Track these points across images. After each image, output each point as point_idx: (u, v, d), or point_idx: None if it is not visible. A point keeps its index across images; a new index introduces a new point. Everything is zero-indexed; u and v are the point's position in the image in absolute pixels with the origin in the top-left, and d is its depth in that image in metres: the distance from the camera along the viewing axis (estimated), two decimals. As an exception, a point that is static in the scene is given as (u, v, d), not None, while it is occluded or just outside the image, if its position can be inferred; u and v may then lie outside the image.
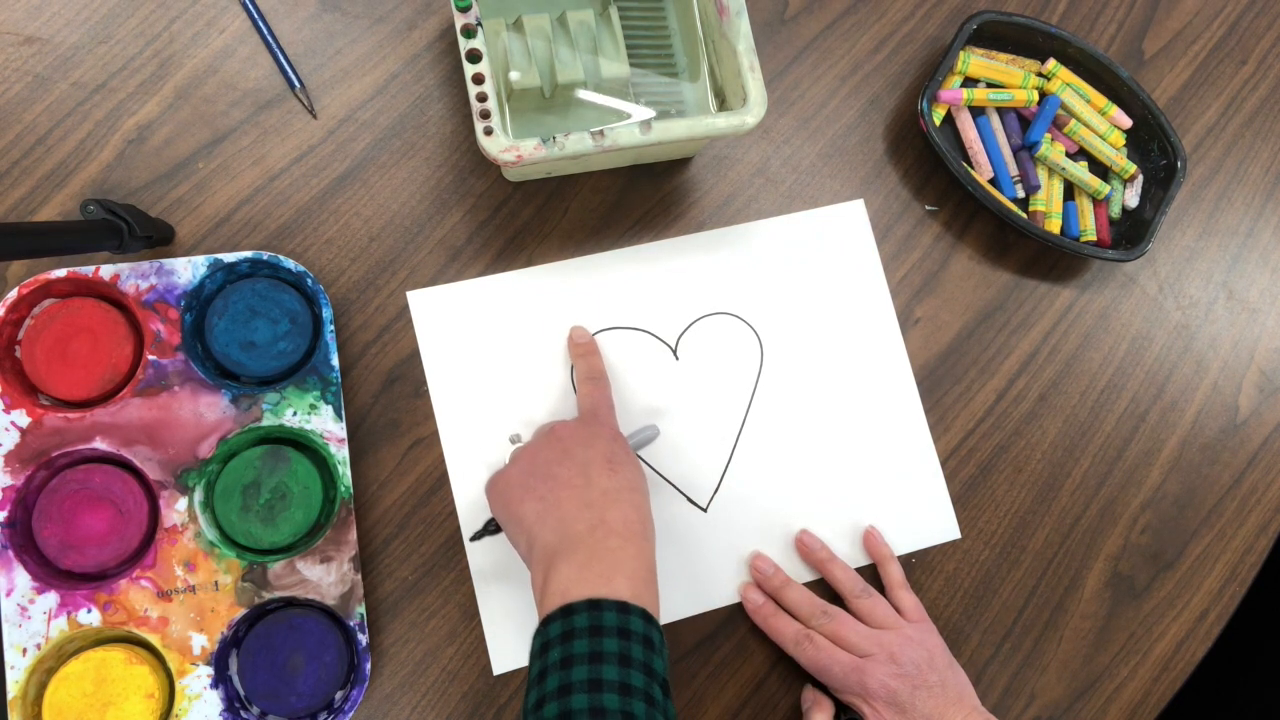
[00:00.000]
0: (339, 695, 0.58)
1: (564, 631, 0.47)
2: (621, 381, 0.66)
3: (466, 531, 0.62)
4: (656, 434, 0.64)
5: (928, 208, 0.73)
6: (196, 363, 0.59)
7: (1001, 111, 0.74)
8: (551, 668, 0.46)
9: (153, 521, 0.58)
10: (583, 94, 0.64)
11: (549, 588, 0.49)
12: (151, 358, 0.58)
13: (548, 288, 0.66)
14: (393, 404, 0.63)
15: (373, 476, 0.63)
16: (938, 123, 0.72)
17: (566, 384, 0.65)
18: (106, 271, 0.58)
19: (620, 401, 0.66)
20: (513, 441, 0.64)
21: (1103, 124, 0.75)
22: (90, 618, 0.56)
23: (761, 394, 0.68)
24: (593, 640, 0.46)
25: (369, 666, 0.58)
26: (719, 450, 0.67)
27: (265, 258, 0.60)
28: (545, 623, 0.48)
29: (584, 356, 0.64)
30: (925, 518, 0.69)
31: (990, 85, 0.74)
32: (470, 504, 0.63)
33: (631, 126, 0.57)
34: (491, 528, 0.59)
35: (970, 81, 0.74)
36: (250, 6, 0.65)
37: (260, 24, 0.65)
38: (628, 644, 0.46)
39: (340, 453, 0.60)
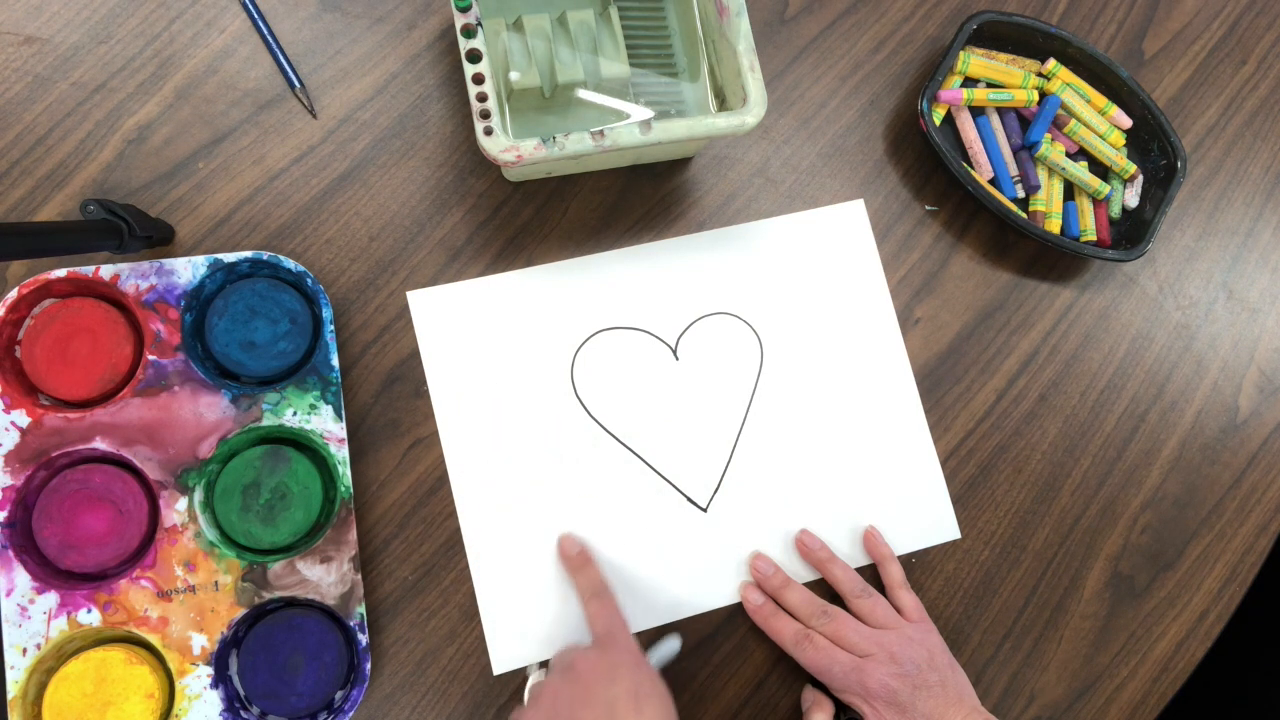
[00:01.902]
0: (339, 695, 0.58)
1: None
2: (621, 381, 0.66)
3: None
4: (678, 648, 0.62)
5: (928, 208, 0.73)
6: (196, 363, 0.59)
7: (1001, 111, 0.74)
8: None
9: (153, 521, 0.58)
10: (583, 94, 0.64)
11: None
12: (151, 358, 0.58)
13: (548, 288, 0.66)
14: (393, 404, 0.63)
15: (373, 476, 0.63)
16: (938, 123, 0.72)
17: (567, 384, 0.65)
18: (106, 271, 0.58)
19: (620, 402, 0.66)
20: (530, 674, 0.61)
21: (1103, 124, 0.75)
22: (90, 618, 0.56)
23: (761, 394, 0.68)
24: None
25: (369, 666, 0.58)
26: (719, 450, 0.67)
27: (265, 258, 0.60)
28: None
29: (580, 570, 0.61)
30: (925, 518, 0.69)
31: (990, 85, 0.74)
32: (470, 503, 0.63)
33: (631, 126, 0.57)
34: None
35: (970, 81, 0.74)
36: (250, 6, 0.65)
37: (260, 24, 0.65)
38: None
39: (340, 453, 0.60)
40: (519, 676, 0.62)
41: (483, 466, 0.63)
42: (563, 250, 0.67)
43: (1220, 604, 0.72)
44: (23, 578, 0.56)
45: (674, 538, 0.65)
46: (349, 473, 0.59)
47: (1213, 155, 0.79)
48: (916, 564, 0.68)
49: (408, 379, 0.64)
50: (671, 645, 0.62)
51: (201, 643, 0.57)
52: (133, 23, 0.64)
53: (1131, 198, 0.75)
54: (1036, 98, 0.74)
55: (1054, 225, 0.73)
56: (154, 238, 0.59)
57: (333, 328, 0.61)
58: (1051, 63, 0.74)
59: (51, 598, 0.56)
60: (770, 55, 0.72)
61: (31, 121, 0.62)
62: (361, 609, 0.58)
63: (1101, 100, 0.75)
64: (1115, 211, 0.75)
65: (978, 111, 0.74)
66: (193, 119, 0.64)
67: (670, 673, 0.64)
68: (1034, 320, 0.73)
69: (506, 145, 0.55)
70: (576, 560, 0.61)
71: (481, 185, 0.67)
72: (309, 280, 0.61)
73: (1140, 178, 0.75)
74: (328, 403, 0.60)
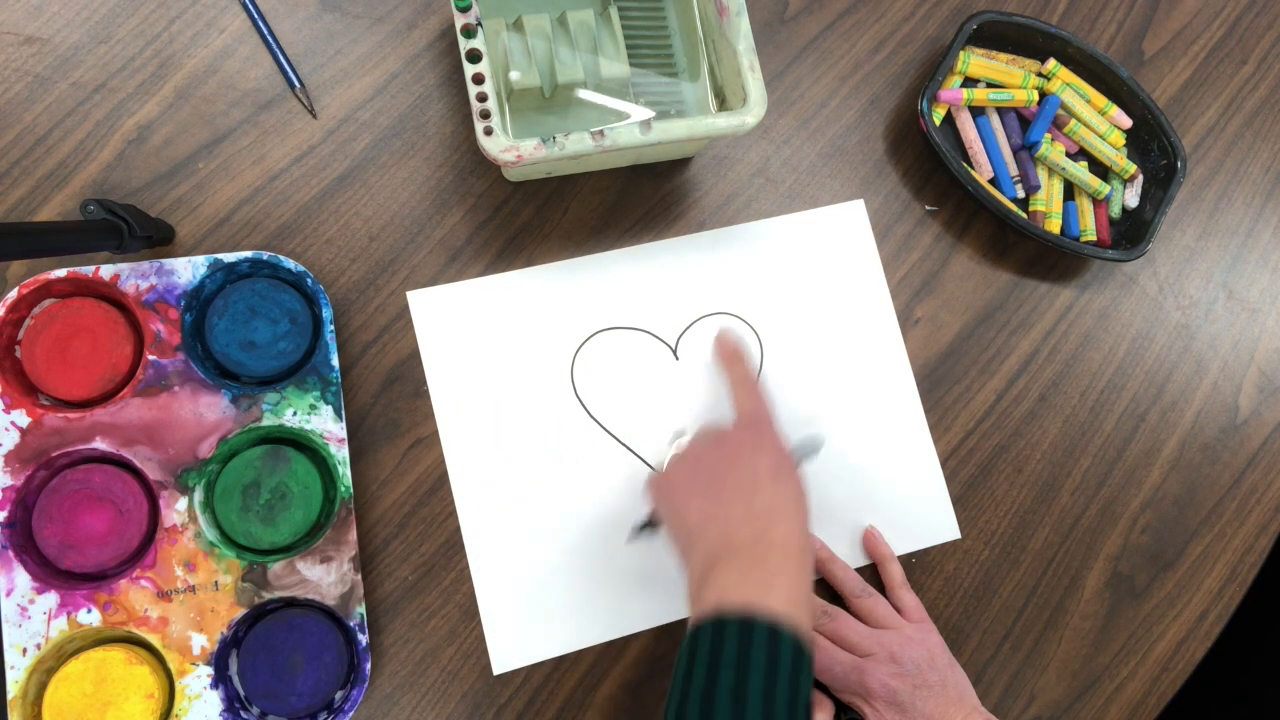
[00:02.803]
0: (339, 695, 0.58)
1: (714, 634, 0.47)
2: (621, 381, 0.66)
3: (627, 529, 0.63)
4: (820, 445, 0.62)
5: (928, 208, 0.73)
6: (196, 363, 0.59)
7: (1001, 111, 0.74)
8: (699, 667, 0.46)
9: (153, 521, 0.58)
10: (583, 94, 0.64)
11: (705, 590, 0.49)
12: (151, 358, 0.58)
13: (548, 288, 0.66)
14: (393, 404, 0.63)
15: (373, 476, 0.63)
16: (938, 123, 0.72)
17: (567, 384, 0.65)
18: (106, 271, 0.58)
19: (620, 402, 0.66)
20: (676, 436, 0.64)
21: (1103, 124, 0.75)
22: (90, 618, 0.56)
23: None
24: (741, 648, 0.46)
25: (369, 666, 0.58)
26: (719, 450, 0.67)
27: (265, 258, 0.60)
28: (696, 630, 0.48)
29: (733, 364, 0.61)
30: (925, 518, 0.69)
31: (990, 85, 0.74)
32: (470, 503, 0.63)
33: (631, 126, 0.57)
34: (650, 527, 0.59)
35: (970, 81, 0.74)
36: (250, 6, 0.65)
37: (260, 24, 0.65)
38: (775, 657, 0.46)
39: (340, 453, 0.60)
40: (519, 676, 0.62)
41: (483, 466, 0.63)
42: (563, 250, 0.67)
43: (1220, 604, 0.72)
44: (23, 578, 0.56)
45: (674, 538, 0.65)
46: (349, 473, 0.59)
47: (1213, 155, 0.79)
48: (916, 564, 0.68)
49: (408, 379, 0.64)
50: (814, 443, 0.62)
51: (201, 643, 0.57)
52: (133, 23, 0.64)
53: (1131, 198, 0.75)
54: (1036, 98, 0.74)
55: (1054, 225, 0.73)
56: (154, 238, 0.59)
57: (333, 328, 0.61)
58: (1051, 63, 0.74)
59: (51, 598, 0.56)
60: (770, 55, 0.72)
61: (31, 121, 0.62)
62: (361, 609, 0.58)
63: (1101, 100, 0.75)
64: (1115, 211, 0.75)
65: (978, 111, 0.74)
66: (193, 119, 0.64)
67: (670, 672, 0.64)
68: (1034, 320, 0.73)
69: (506, 145, 0.55)
70: (731, 354, 0.62)
71: (481, 185, 0.67)
72: (309, 280, 0.61)
73: (1140, 178, 0.75)
74: (328, 403, 0.60)
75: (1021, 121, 0.74)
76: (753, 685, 0.45)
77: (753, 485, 0.52)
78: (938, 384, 0.71)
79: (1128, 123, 0.75)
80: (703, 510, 0.53)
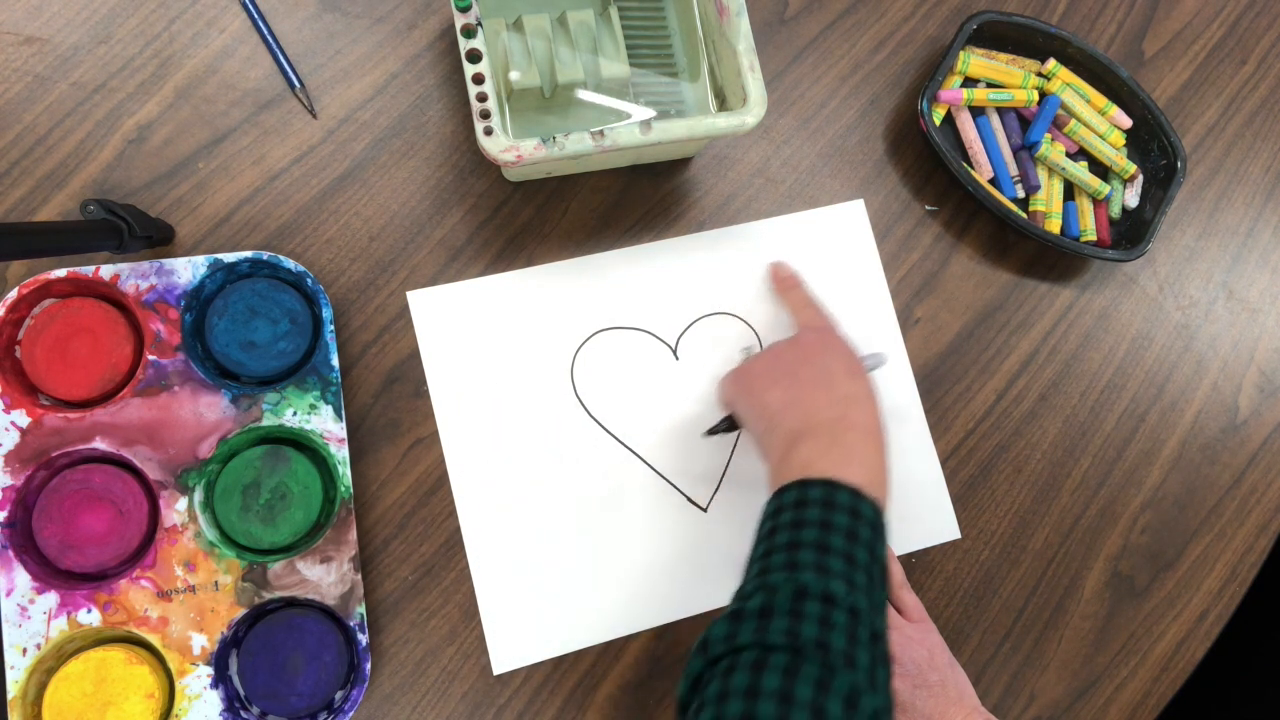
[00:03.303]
0: (339, 695, 0.58)
1: (798, 499, 0.49)
2: (621, 381, 0.66)
3: (697, 430, 0.65)
4: (885, 361, 0.65)
5: (928, 208, 0.73)
6: (196, 363, 0.59)
7: (1001, 111, 0.74)
8: (782, 527, 0.48)
9: (153, 521, 0.58)
10: (583, 94, 0.64)
11: (789, 461, 0.52)
12: (151, 358, 0.58)
13: (548, 288, 0.66)
14: (393, 404, 0.63)
15: (373, 476, 0.63)
16: (938, 123, 0.72)
17: (567, 384, 0.65)
18: (106, 271, 0.58)
19: (620, 402, 0.66)
20: (745, 351, 0.67)
21: (1103, 124, 0.75)
22: (90, 618, 0.56)
23: (761, 394, 0.68)
24: (824, 511, 0.48)
25: (369, 666, 0.58)
26: (719, 450, 0.67)
27: (265, 258, 0.60)
28: (780, 491, 0.50)
29: (794, 289, 0.66)
30: (925, 518, 0.69)
31: (990, 85, 0.74)
32: (470, 503, 0.63)
33: (631, 126, 0.57)
34: (725, 425, 0.61)
35: (970, 81, 0.74)
36: (250, 6, 0.65)
37: (260, 24, 0.65)
38: (856, 523, 0.47)
39: (340, 453, 0.60)
40: (519, 676, 0.62)
41: (483, 466, 0.63)
42: (563, 250, 0.67)
43: (1220, 604, 0.72)
44: (23, 578, 0.56)
45: (674, 538, 0.65)
46: (349, 473, 0.59)
47: (1213, 155, 0.79)
48: (916, 564, 0.68)
49: (408, 379, 0.64)
50: (880, 358, 0.64)
51: (201, 643, 0.57)
52: (133, 23, 0.64)
53: (1131, 198, 0.75)
54: (1036, 98, 0.74)
55: (1054, 225, 0.73)
56: (154, 238, 0.59)
57: (333, 328, 0.61)
58: (1051, 63, 0.74)
59: (51, 598, 0.56)
60: (770, 55, 0.72)
61: (31, 121, 0.62)
62: (361, 609, 0.58)
63: (1101, 100, 0.75)
64: (1115, 211, 0.75)
65: (978, 111, 0.74)
66: (193, 119, 0.64)
67: (670, 672, 0.64)
68: (1034, 320, 0.73)
69: (506, 145, 0.55)
70: (789, 280, 0.67)
71: (481, 185, 0.67)
72: (309, 280, 0.61)
73: (1140, 178, 0.75)
74: (328, 403, 0.60)
75: (1021, 121, 0.74)
76: (835, 542, 0.46)
77: (829, 378, 0.56)
78: (938, 384, 0.71)
79: (1128, 123, 0.75)
80: (784, 396, 0.56)
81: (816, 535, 0.47)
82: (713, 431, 0.63)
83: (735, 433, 0.61)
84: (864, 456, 0.52)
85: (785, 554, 0.46)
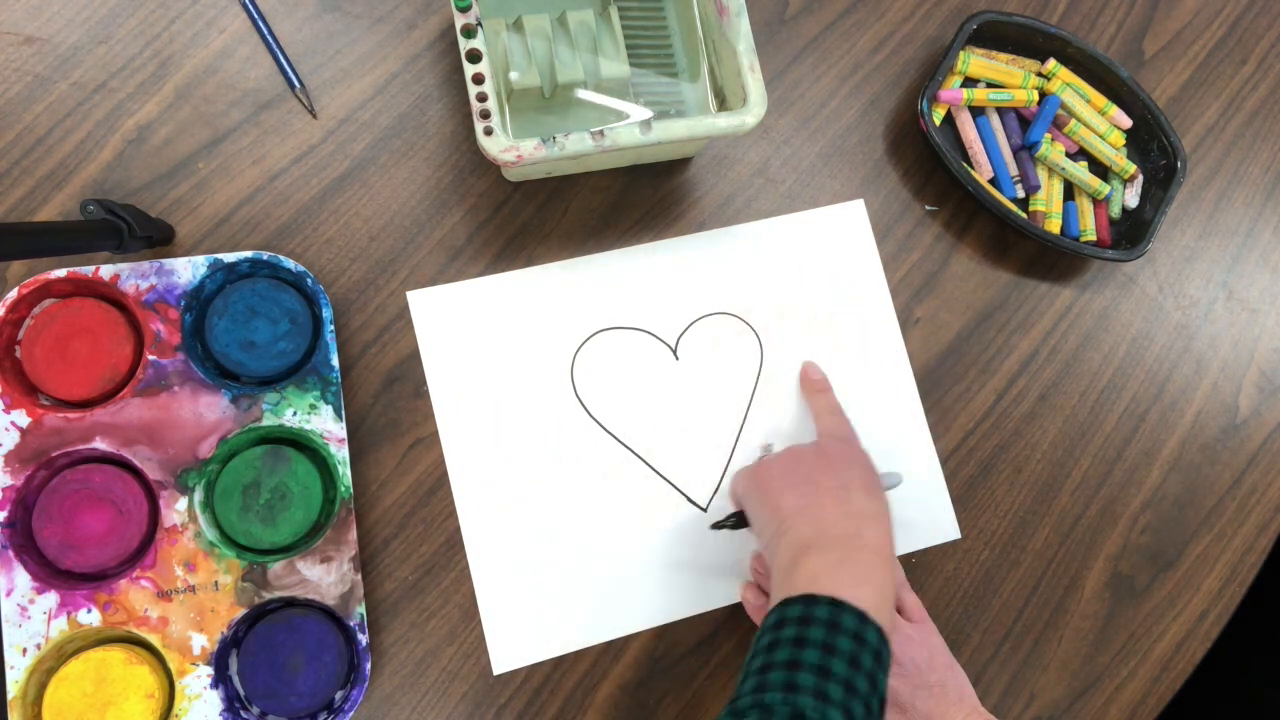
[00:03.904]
0: (339, 695, 0.58)
1: (803, 616, 0.48)
2: (621, 381, 0.66)
3: (709, 520, 0.65)
4: (899, 482, 0.64)
5: (928, 208, 0.73)
6: (196, 363, 0.59)
7: (1001, 111, 0.74)
8: (783, 642, 0.47)
9: (153, 521, 0.58)
10: (583, 94, 0.64)
11: (796, 570, 0.51)
12: (151, 358, 0.58)
13: (548, 288, 0.66)
14: (393, 404, 0.63)
15: (373, 476, 0.63)
16: (938, 123, 0.72)
17: (567, 384, 0.65)
18: (106, 271, 0.58)
19: (620, 402, 0.66)
20: (764, 449, 0.67)
21: (1103, 124, 0.75)
22: (90, 618, 0.56)
23: (761, 394, 0.68)
24: (829, 633, 0.47)
25: (369, 666, 0.58)
26: (719, 450, 0.67)
27: (265, 258, 0.60)
28: (784, 604, 0.49)
29: (822, 393, 0.67)
30: (925, 518, 0.69)
31: (990, 85, 0.74)
32: (470, 503, 0.63)
33: (631, 126, 0.57)
34: (733, 521, 0.60)
35: (970, 81, 0.74)
36: (250, 6, 0.65)
37: (260, 24, 0.65)
38: (860, 650, 0.46)
39: (340, 453, 0.60)
40: (519, 676, 0.62)
41: (483, 466, 0.63)
42: (563, 250, 0.67)
43: (1220, 604, 0.72)
44: (23, 578, 0.56)
45: (674, 538, 0.65)
46: (349, 473, 0.59)
47: (1213, 155, 0.79)
48: (916, 564, 0.68)
49: (408, 379, 0.64)
50: (895, 479, 0.64)
51: (201, 643, 0.57)
52: (133, 23, 0.64)
53: (1131, 198, 0.75)
54: (1036, 98, 0.74)
55: (1054, 225, 0.73)
56: (154, 238, 0.59)
57: (333, 328, 0.61)
58: (1051, 63, 0.74)
59: (51, 598, 0.56)
60: (770, 55, 0.72)
61: (31, 121, 0.62)
62: (361, 609, 0.58)
63: (1101, 100, 0.75)
64: (1115, 211, 0.75)
65: (978, 111, 0.74)
66: (193, 119, 0.64)
67: (670, 672, 0.64)
68: (1034, 320, 0.73)
69: (506, 145, 0.55)
70: (818, 384, 0.67)
71: (481, 185, 0.67)
72: (309, 280, 0.61)
73: (1140, 178, 0.75)
74: (328, 403, 0.60)
75: (1021, 121, 0.74)
76: (836, 667, 0.45)
77: (847, 491, 0.55)
78: (938, 384, 0.71)
79: (1128, 123, 0.75)
80: (799, 502, 0.55)
81: (818, 658, 0.45)
82: (719, 525, 0.61)
83: (742, 529, 0.60)
84: (874, 579, 0.50)
85: (784, 672, 0.45)
